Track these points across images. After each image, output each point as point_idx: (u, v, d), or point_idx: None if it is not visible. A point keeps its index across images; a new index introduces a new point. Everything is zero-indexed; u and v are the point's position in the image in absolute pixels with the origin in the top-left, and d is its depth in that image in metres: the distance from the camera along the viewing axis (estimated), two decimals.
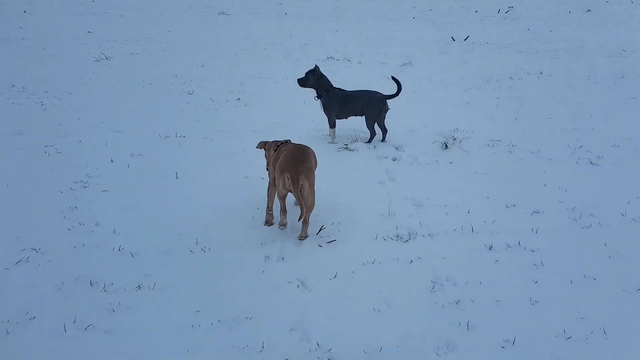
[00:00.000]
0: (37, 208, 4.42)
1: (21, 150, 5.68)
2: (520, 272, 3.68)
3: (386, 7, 23.00)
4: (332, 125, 6.26)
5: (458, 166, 5.59)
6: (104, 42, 12.85)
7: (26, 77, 9.06)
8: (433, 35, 15.32)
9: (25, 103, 7.58)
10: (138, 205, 4.51)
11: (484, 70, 10.57)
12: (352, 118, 6.39)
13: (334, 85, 6.33)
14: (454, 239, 4.11)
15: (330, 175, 4.95)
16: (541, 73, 10.45)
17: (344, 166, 5.54)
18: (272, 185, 4.23)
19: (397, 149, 6.07)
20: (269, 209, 4.26)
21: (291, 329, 3.11)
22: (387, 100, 6.17)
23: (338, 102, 6.16)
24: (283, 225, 4.14)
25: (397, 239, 4.08)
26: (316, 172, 4.18)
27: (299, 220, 3.99)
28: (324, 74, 6.25)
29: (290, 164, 3.91)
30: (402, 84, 6.21)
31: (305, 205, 3.93)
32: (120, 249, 3.84)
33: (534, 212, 4.54)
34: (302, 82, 6.25)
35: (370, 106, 6.12)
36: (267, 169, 4.43)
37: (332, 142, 6.26)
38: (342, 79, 8.17)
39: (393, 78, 6.28)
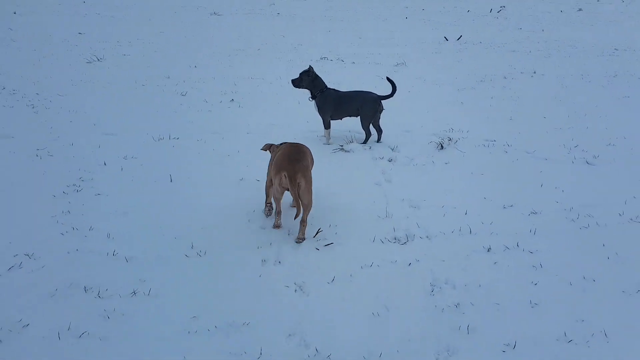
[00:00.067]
0: (30, 213, 4.35)
1: (12, 154, 5.60)
2: (519, 274, 3.65)
3: (379, 7, 23.02)
4: (327, 126, 6.22)
5: (454, 167, 5.57)
6: (95, 43, 12.75)
7: (17, 79, 8.96)
8: (426, 35, 15.33)
9: (16, 106, 7.48)
10: (132, 209, 4.45)
11: (478, 70, 10.57)
12: (347, 119, 6.36)
13: (328, 86, 6.30)
14: (452, 240, 4.08)
15: (326, 177, 4.91)
16: (534, 72, 10.47)
17: (339, 167, 5.49)
18: (269, 185, 4.26)
19: (392, 149, 6.04)
20: (268, 203, 4.36)
21: (289, 335, 3.06)
22: (382, 101, 6.15)
23: (332, 103, 6.12)
24: (277, 226, 4.14)
25: (394, 241, 4.05)
26: (312, 173, 4.15)
27: (295, 218, 3.97)
28: (318, 75, 6.21)
29: (287, 163, 3.92)
30: (396, 84, 6.18)
31: (302, 204, 3.91)
32: (115, 253, 3.77)
33: (532, 212, 4.52)
34: (296, 83, 6.20)
35: (365, 107, 6.09)
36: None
37: (328, 144, 6.22)
38: (336, 80, 8.12)
39: (388, 79, 6.25)
